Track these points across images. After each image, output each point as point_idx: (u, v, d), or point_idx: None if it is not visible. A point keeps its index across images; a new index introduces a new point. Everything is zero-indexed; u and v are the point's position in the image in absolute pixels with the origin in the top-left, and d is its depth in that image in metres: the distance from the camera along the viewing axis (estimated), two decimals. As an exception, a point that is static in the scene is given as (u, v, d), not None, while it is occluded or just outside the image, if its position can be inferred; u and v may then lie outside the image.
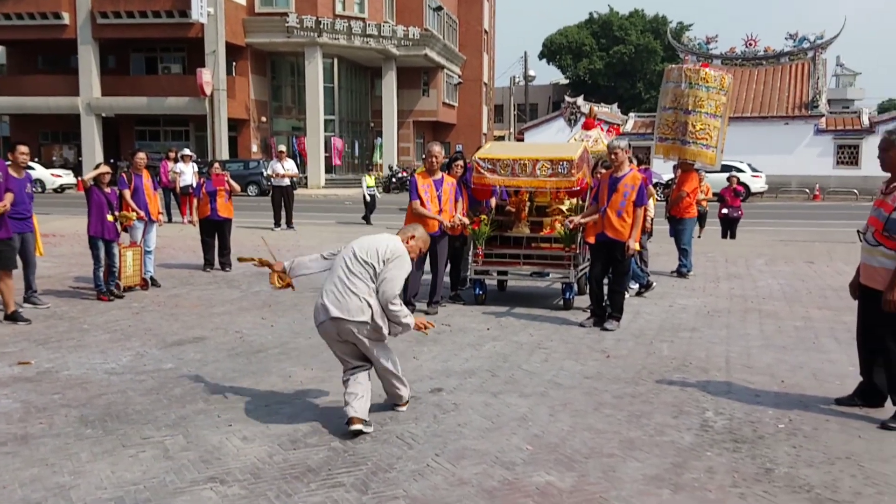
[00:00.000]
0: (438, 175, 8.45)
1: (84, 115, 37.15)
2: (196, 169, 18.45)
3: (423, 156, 8.67)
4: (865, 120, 36.63)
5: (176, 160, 18.53)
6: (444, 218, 8.27)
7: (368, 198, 19.21)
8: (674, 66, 11.64)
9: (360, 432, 4.64)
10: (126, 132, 39.77)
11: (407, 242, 5.04)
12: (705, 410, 5.28)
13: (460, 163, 9.11)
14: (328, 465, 4.23)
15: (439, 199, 8.33)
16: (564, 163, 8.58)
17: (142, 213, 9.50)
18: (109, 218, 8.79)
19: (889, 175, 5.17)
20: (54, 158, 39.15)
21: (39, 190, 32.57)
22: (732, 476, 4.19)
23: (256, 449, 4.43)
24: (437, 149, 8.41)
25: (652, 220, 10.44)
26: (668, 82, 11.24)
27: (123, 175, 9.64)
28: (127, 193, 9.43)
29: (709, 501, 3.88)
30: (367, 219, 19.22)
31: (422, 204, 8.23)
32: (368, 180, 19.45)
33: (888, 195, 5.10)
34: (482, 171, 8.76)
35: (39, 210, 8.70)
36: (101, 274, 8.87)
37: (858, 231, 5.41)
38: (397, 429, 4.82)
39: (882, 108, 56.10)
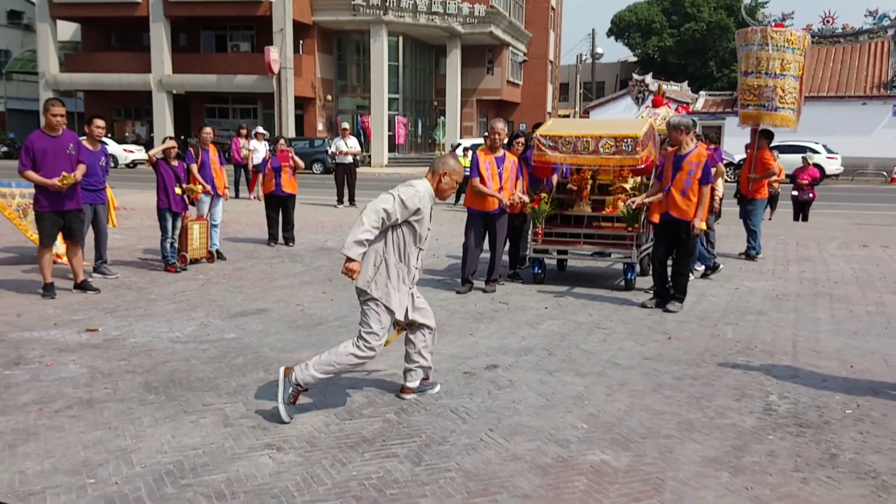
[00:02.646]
0: (500, 152, 8.37)
1: (156, 91, 38.01)
2: (268, 146, 18.72)
3: (486, 132, 8.60)
4: (945, 101, 34.97)
5: (248, 137, 18.83)
6: (503, 196, 8.20)
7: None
8: (752, 27, 11.17)
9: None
10: (196, 109, 40.59)
11: (439, 182, 4.79)
12: (769, 394, 5.14)
13: (521, 140, 9.02)
14: (382, 435, 4.26)
15: (500, 177, 8.25)
16: (629, 140, 8.39)
17: (208, 188, 9.69)
18: (177, 191, 8.99)
19: None
20: (127, 134, 40.28)
21: (112, 165, 33.63)
22: (795, 460, 4.07)
23: (313, 418, 4.48)
24: (500, 126, 8.32)
25: (721, 200, 10.18)
26: (746, 45, 10.80)
27: (191, 150, 9.83)
28: (194, 167, 9.62)
29: (769, 485, 3.78)
30: (457, 198, 19.10)
31: (482, 181, 8.18)
32: (462, 161, 19.30)
33: None
34: (543, 148, 8.64)
35: (112, 184, 8.95)
36: (169, 245, 9.09)
37: None
38: (451, 403, 4.82)
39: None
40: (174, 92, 38.68)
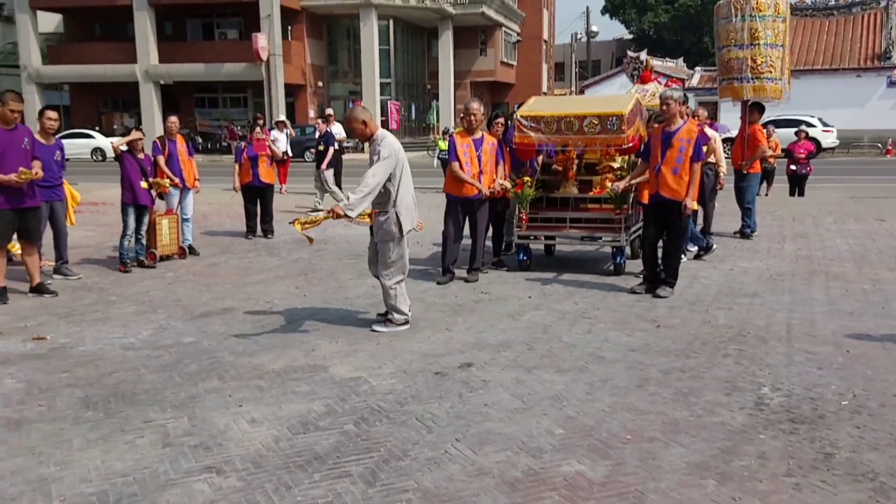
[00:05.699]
0: (478, 134, 7.96)
1: (142, 82, 37.30)
2: (288, 134, 18.03)
3: (461, 114, 8.17)
4: (940, 72, 34.43)
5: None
6: (483, 181, 7.79)
7: (438, 162, 18.68)
8: (722, 1, 10.83)
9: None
10: (185, 99, 39.98)
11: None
12: (761, 386, 4.79)
13: (501, 121, 8.61)
14: (337, 451, 3.89)
15: (479, 160, 7.85)
16: (614, 118, 8.00)
17: (176, 180, 9.27)
18: (143, 185, 8.57)
19: None
20: (115, 126, 39.57)
21: (99, 158, 33.17)
22: (787, 463, 3.73)
23: (263, 433, 4.11)
24: (475, 105, 7.90)
25: (724, 175, 9.79)
26: (719, 20, 10.57)
27: (157, 141, 9.40)
28: (161, 160, 9.20)
29: (759, 493, 3.43)
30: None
31: (461, 166, 7.77)
32: (441, 145, 18.90)
33: None
34: (525, 129, 8.24)
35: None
36: (127, 243, 8.63)
37: None
38: (417, 409, 4.45)
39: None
40: (161, 82, 38.02)
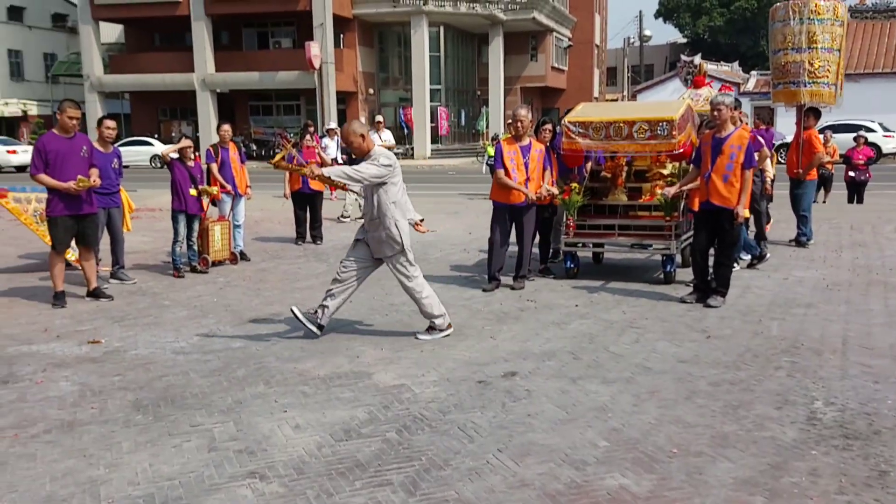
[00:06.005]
0: (526, 141, 7.93)
1: (199, 91, 38.01)
2: (339, 142, 18.17)
3: (509, 120, 8.15)
4: None
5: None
6: (530, 188, 7.76)
7: (486, 168, 18.68)
8: (779, 3, 10.61)
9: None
10: (241, 107, 40.68)
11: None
12: (814, 400, 4.66)
13: (548, 127, 8.56)
14: (379, 459, 3.90)
15: (526, 167, 7.82)
16: (664, 123, 7.89)
17: (228, 187, 9.44)
18: (192, 192, 8.74)
19: None
20: (173, 134, 40.40)
21: (158, 165, 33.96)
22: (839, 480, 3.62)
23: (306, 439, 4.15)
24: (523, 112, 7.88)
25: (772, 181, 9.59)
26: (775, 23, 10.35)
27: (210, 149, 9.59)
28: (214, 167, 9.38)
29: (809, 512, 3.34)
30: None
31: (506, 173, 7.76)
32: (490, 150, 18.91)
33: None
34: (573, 135, 8.18)
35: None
36: (178, 249, 8.80)
37: None
38: (460, 418, 4.44)
39: None
40: (218, 90, 38.76)
